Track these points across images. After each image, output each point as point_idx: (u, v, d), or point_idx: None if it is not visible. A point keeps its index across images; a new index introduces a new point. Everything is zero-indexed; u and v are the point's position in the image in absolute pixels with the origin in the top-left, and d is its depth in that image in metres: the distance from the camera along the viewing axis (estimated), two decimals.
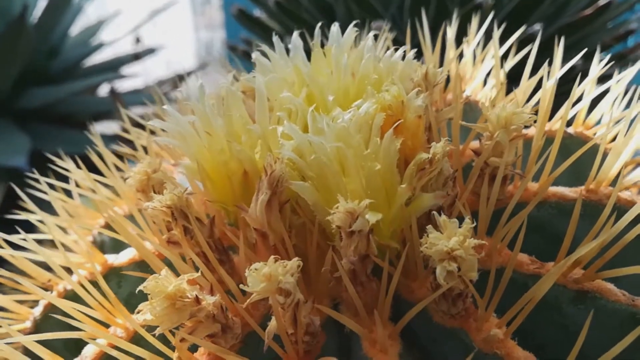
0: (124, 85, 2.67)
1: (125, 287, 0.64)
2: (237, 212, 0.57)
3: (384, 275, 0.49)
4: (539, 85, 0.69)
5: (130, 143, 0.92)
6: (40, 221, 0.74)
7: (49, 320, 0.66)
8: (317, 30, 0.68)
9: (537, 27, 1.35)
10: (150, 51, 2.71)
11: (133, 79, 2.67)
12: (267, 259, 0.44)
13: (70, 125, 2.23)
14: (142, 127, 0.84)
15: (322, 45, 0.68)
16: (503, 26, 0.89)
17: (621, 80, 0.70)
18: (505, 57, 0.79)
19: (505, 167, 0.55)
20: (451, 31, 0.85)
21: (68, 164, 0.85)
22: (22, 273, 0.69)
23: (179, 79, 2.42)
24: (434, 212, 0.47)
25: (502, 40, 0.79)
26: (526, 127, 0.59)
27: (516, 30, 0.88)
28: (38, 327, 0.68)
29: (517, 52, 0.82)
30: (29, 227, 0.73)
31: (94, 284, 0.58)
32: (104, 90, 2.61)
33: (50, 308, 0.66)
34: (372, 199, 0.47)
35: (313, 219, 0.53)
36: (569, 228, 0.52)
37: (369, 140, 0.51)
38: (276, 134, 0.57)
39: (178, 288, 0.45)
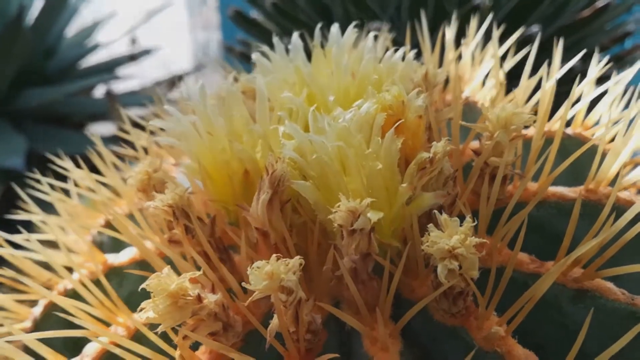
0: (120, 87, 2.67)
1: (126, 286, 0.63)
2: (238, 211, 0.57)
3: (385, 274, 0.49)
4: (537, 86, 0.69)
5: (127, 143, 0.92)
6: (40, 221, 0.73)
7: (49, 319, 0.66)
8: (317, 31, 0.68)
9: (536, 28, 1.36)
10: (146, 52, 2.71)
11: (129, 80, 2.67)
12: (269, 258, 0.44)
13: (67, 126, 2.23)
14: (140, 127, 0.84)
15: (322, 46, 0.68)
16: (502, 27, 0.89)
17: (619, 81, 0.70)
18: (503, 58, 0.80)
19: (505, 167, 0.55)
20: (450, 32, 0.85)
21: (65, 164, 0.84)
22: (21, 273, 0.69)
23: (175, 80, 2.42)
24: (435, 211, 0.48)
25: (501, 41, 0.80)
26: (525, 127, 0.60)
27: (514, 32, 0.88)
28: (38, 326, 0.68)
29: (515, 53, 0.83)
30: (26, 227, 0.73)
31: (95, 283, 0.58)
32: (99, 91, 2.61)
33: (51, 307, 0.66)
34: (373, 198, 0.47)
35: (314, 218, 0.53)
36: (569, 227, 0.52)
37: (370, 139, 0.51)
38: (277, 133, 0.57)
39: (180, 286, 0.45)
